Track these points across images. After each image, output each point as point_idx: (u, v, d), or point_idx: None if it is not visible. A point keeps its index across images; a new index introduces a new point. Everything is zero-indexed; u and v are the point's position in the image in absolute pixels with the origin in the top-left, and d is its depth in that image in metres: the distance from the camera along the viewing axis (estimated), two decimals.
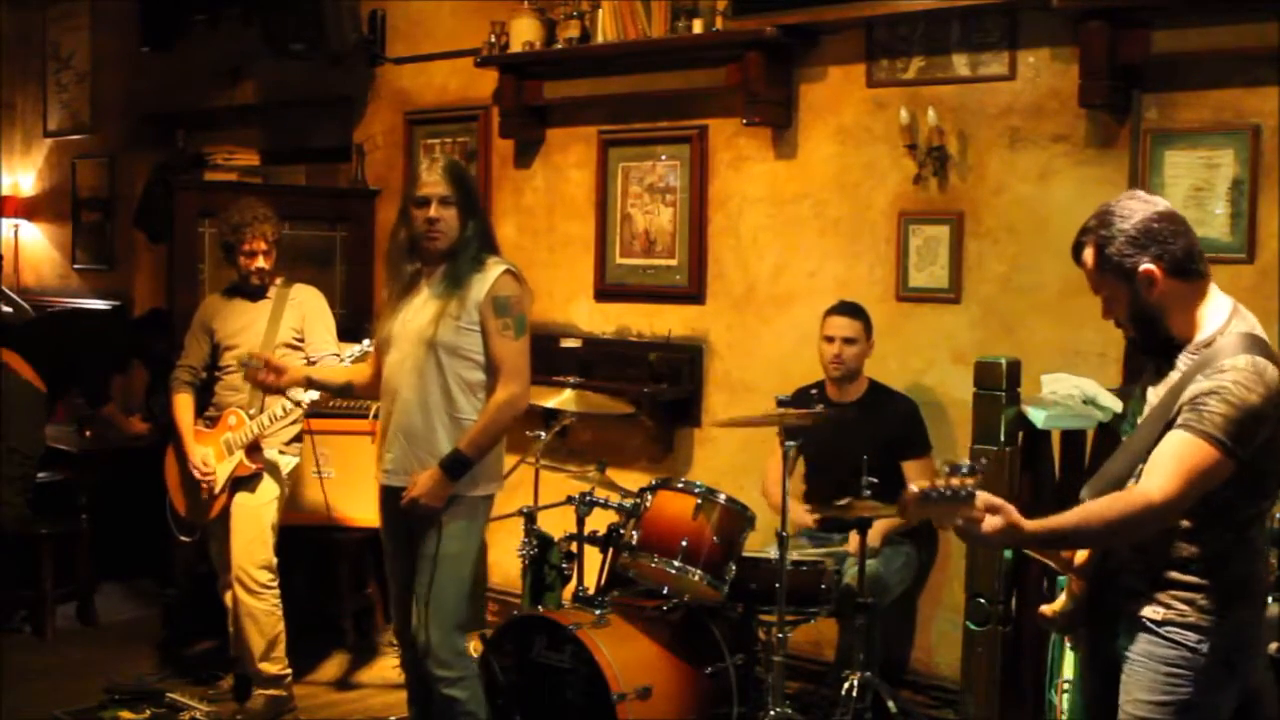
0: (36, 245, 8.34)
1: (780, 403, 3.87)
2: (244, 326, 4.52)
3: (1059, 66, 4.26)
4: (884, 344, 4.51)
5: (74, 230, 8.00)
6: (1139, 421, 2.55)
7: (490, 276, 3.50)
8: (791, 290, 4.88)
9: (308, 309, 4.59)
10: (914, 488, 2.24)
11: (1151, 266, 2.44)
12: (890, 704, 4.06)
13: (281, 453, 4.52)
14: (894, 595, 4.30)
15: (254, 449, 4.42)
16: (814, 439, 4.17)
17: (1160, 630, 2.42)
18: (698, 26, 4.86)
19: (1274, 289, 3.87)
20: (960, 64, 4.47)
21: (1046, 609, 2.68)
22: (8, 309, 7.32)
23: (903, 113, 4.48)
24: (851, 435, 4.16)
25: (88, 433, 5.94)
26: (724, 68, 4.87)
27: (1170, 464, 2.33)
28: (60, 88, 8.08)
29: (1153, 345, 2.54)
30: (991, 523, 2.28)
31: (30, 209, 8.37)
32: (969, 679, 3.57)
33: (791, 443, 3.80)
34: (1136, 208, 2.48)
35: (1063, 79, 4.24)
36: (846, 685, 3.94)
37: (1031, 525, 2.33)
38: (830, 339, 4.37)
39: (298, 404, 4.39)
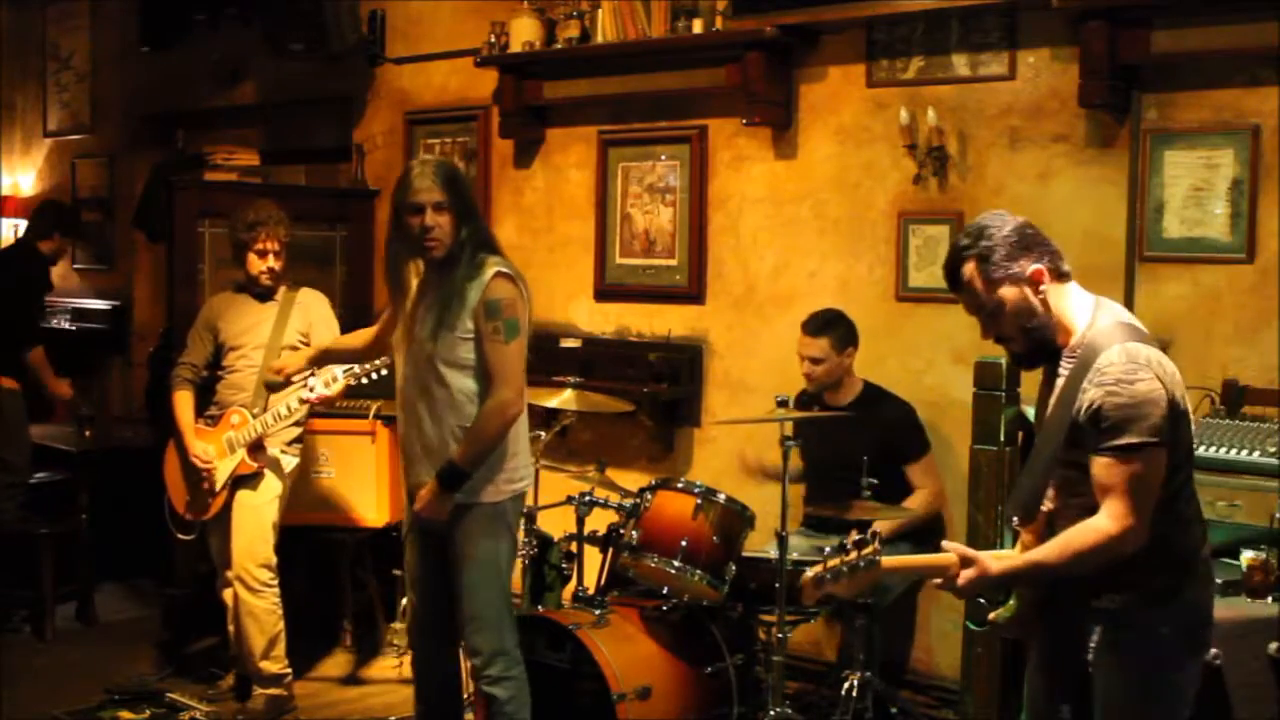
0: None
1: (780, 403, 3.87)
2: (250, 327, 4.51)
3: (1059, 66, 4.26)
4: (884, 344, 4.51)
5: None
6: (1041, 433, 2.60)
7: (483, 281, 3.42)
8: (791, 290, 4.88)
9: (314, 314, 4.59)
10: (809, 573, 2.39)
11: (1041, 267, 2.51)
12: (890, 704, 4.06)
13: (283, 452, 4.52)
14: (894, 595, 4.29)
15: (256, 447, 4.42)
16: (811, 442, 4.18)
17: (1121, 618, 2.46)
18: (698, 26, 4.85)
19: (1274, 289, 3.87)
20: (960, 64, 4.47)
21: (993, 615, 2.66)
22: None
23: (902, 113, 4.48)
24: (848, 437, 4.15)
25: (88, 433, 5.94)
26: (724, 68, 4.86)
27: (1113, 491, 2.35)
28: (60, 88, 8.08)
29: (1042, 354, 2.57)
30: (965, 575, 2.38)
31: (30, 209, 8.35)
32: (969, 679, 3.58)
33: (791, 441, 3.80)
34: (1005, 218, 2.57)
35: (1063, 79, 4.24)
36: (846, 685, 3.95)
37: (1001, 567, 2.41)
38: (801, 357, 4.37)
39: (304, 401, 4.34)
